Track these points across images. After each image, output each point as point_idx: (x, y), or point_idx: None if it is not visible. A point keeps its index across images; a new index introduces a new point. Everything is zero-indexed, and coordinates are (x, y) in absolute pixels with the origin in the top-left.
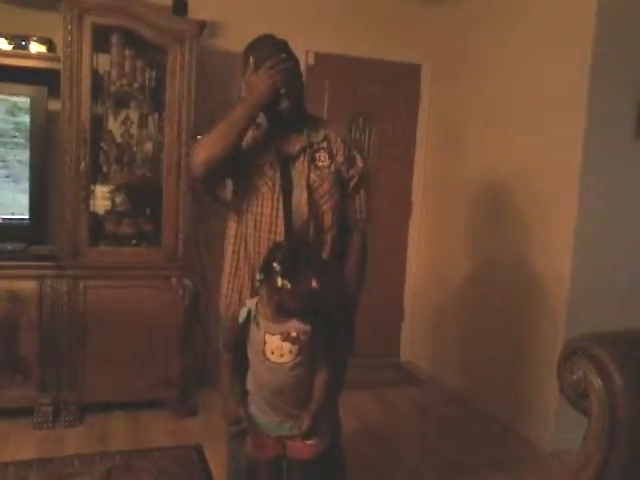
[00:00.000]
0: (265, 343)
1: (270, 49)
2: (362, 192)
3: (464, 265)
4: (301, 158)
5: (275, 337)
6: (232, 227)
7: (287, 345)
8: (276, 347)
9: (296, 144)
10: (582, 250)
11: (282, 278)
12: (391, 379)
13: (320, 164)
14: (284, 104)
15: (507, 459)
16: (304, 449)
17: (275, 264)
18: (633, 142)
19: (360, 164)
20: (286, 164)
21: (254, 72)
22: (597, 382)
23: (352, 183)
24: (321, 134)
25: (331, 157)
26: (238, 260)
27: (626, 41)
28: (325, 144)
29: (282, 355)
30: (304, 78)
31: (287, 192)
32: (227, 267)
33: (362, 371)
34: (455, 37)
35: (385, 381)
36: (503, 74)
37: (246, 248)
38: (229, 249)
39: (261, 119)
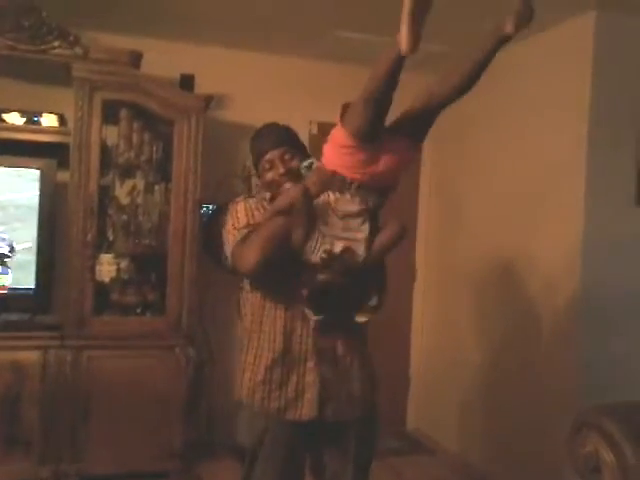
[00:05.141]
0: None
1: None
2: None
3: (471, 331)
4: None
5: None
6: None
7: None
8: None
9: None
10: (589, 317)
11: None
12: (400, 448)
13: None
14: None
15: None
16: None
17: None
18: (633, 209)
19: None
20: None
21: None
22: (609, 457)
23: None
24: None
25: None
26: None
27: (622, 110)
28: None
29: None
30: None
31: None
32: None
33: None
34: (454, 108)
35: (394, 450)
36: (503, 144)
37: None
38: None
39: None
